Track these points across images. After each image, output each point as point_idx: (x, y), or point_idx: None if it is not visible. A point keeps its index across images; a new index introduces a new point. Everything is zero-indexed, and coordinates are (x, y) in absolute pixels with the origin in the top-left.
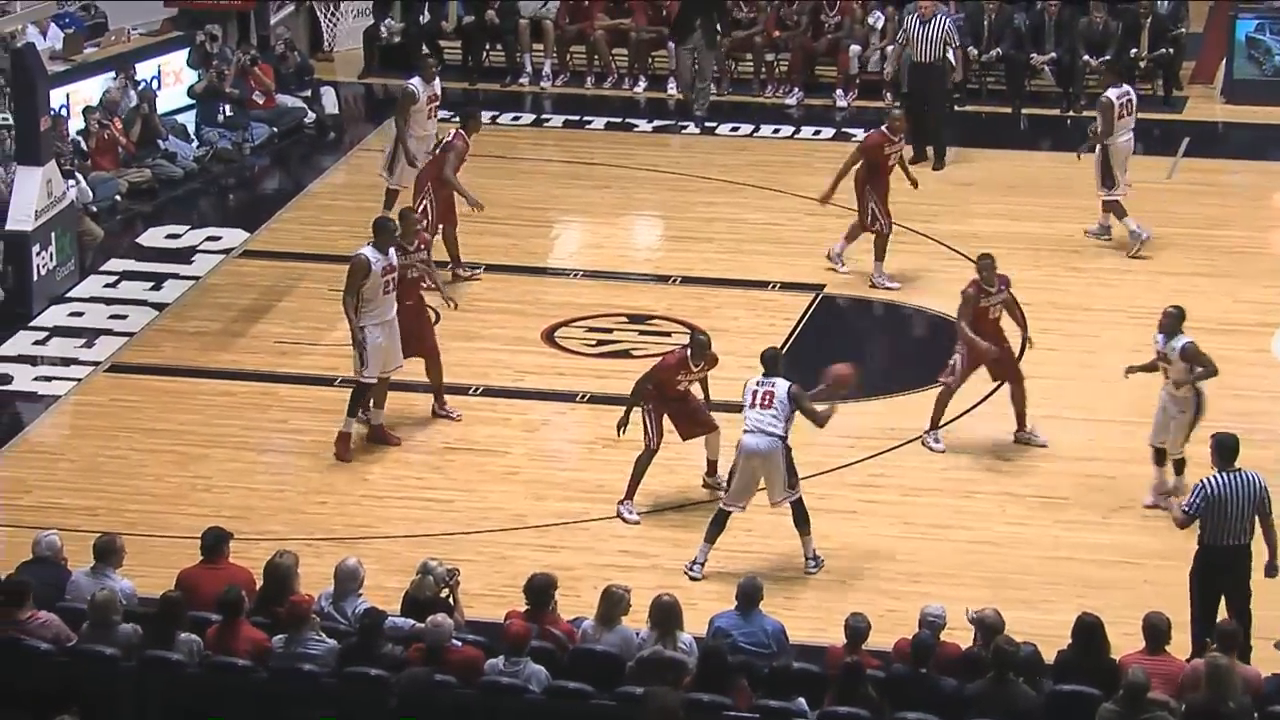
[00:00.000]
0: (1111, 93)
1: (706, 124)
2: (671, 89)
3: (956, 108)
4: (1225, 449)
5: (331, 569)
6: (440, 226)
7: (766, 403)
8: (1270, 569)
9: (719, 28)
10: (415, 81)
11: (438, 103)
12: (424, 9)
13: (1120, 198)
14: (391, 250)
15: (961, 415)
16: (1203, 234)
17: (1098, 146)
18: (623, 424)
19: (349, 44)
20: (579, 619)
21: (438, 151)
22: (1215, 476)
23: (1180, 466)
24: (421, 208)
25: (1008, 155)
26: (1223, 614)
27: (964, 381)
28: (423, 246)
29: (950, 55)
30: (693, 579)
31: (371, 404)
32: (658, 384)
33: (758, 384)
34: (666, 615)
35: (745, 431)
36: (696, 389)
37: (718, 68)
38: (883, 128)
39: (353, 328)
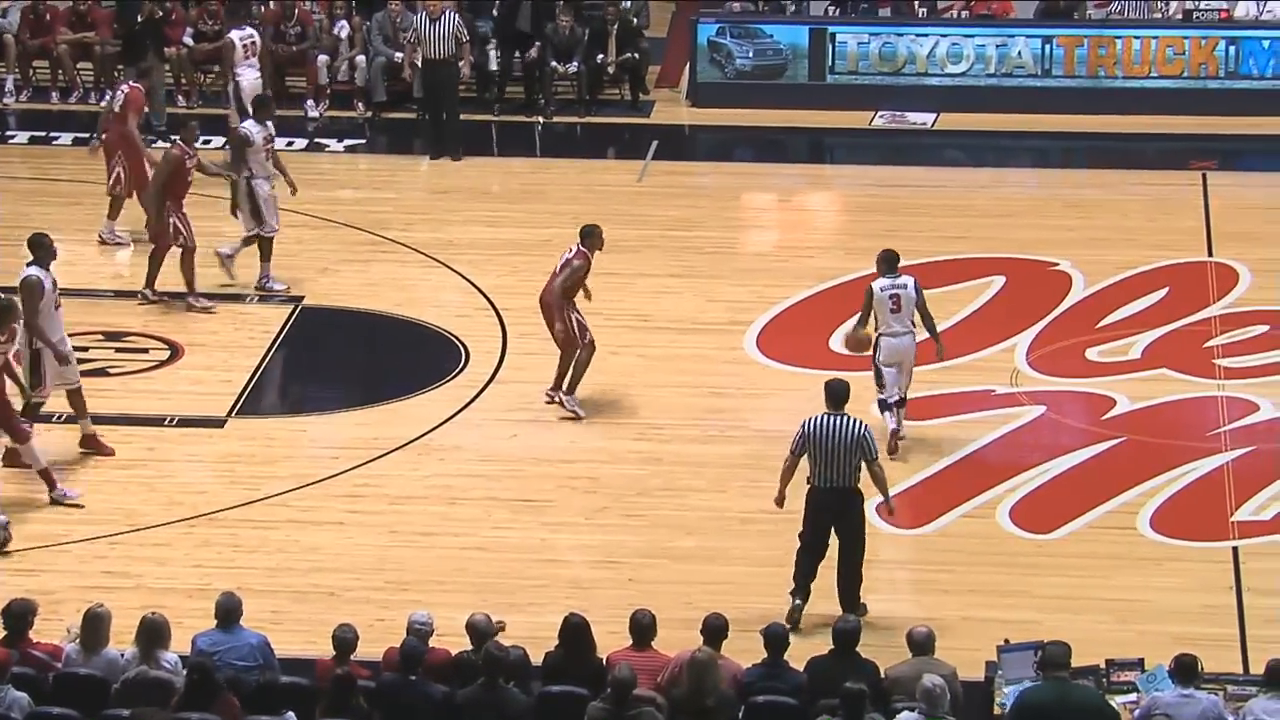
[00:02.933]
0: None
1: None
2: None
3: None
4: (833, 394)
5: None
6: None
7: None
8: (885, 509)
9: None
10: (249, 125)
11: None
12: None
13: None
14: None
15: (444, 423)
16: (674, 235)
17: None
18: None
19: None
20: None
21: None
22: (816, 417)
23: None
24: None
25: (482, 162)
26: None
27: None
28: None
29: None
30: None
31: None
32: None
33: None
34: (153, 634)
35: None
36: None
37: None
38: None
39: (49, 344)
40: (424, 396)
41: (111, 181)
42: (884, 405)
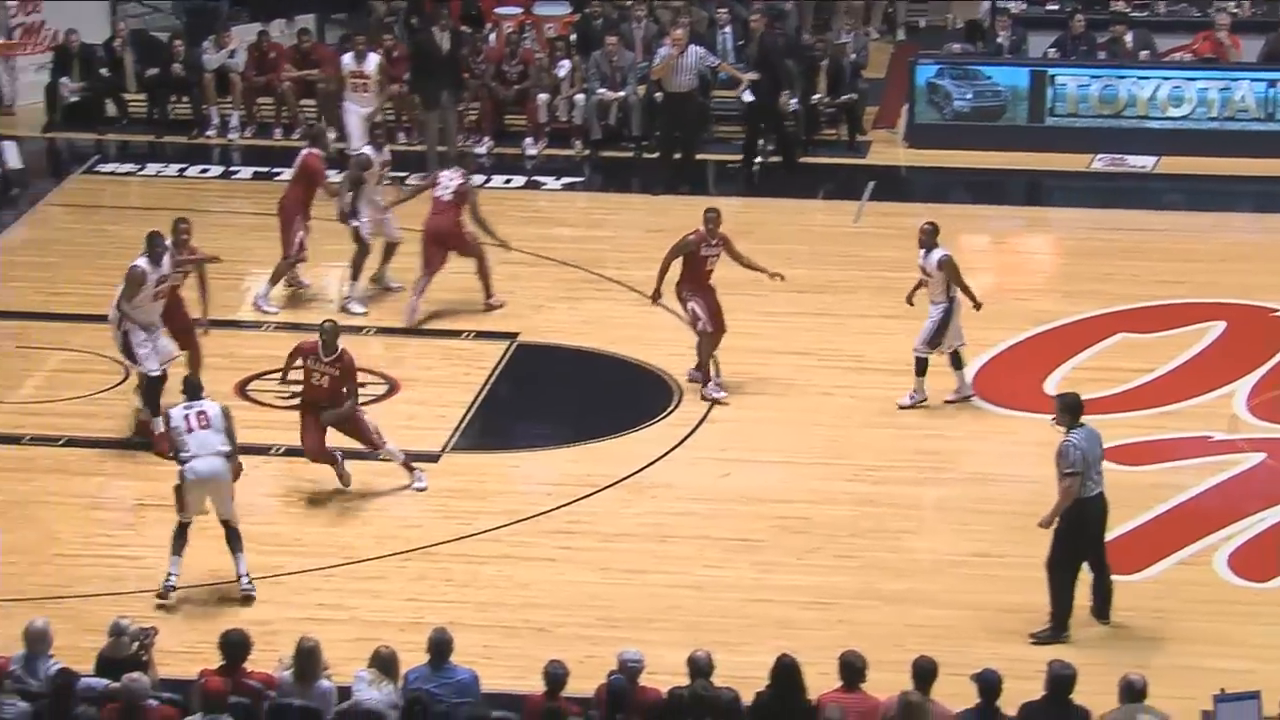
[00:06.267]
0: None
1: (395, 174)
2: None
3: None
4: (1073, 408)
5: (22, 630)
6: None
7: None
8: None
9: (462, 82)
10: (368, 149)
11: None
12: (105, 65)
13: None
14: (166, 260)
15: (657, 461)
16: (889, 276)
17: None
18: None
19: (29, 98)
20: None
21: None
22: (1081, 432)
23: (921, 367)
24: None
25: (698, 201)
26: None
27: (718, 323)
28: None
29: (720, 74)
30: None
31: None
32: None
33: None
34: (387, 666)
35: None
36: None
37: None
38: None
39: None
40: (636, 434)
41: (295, 246)
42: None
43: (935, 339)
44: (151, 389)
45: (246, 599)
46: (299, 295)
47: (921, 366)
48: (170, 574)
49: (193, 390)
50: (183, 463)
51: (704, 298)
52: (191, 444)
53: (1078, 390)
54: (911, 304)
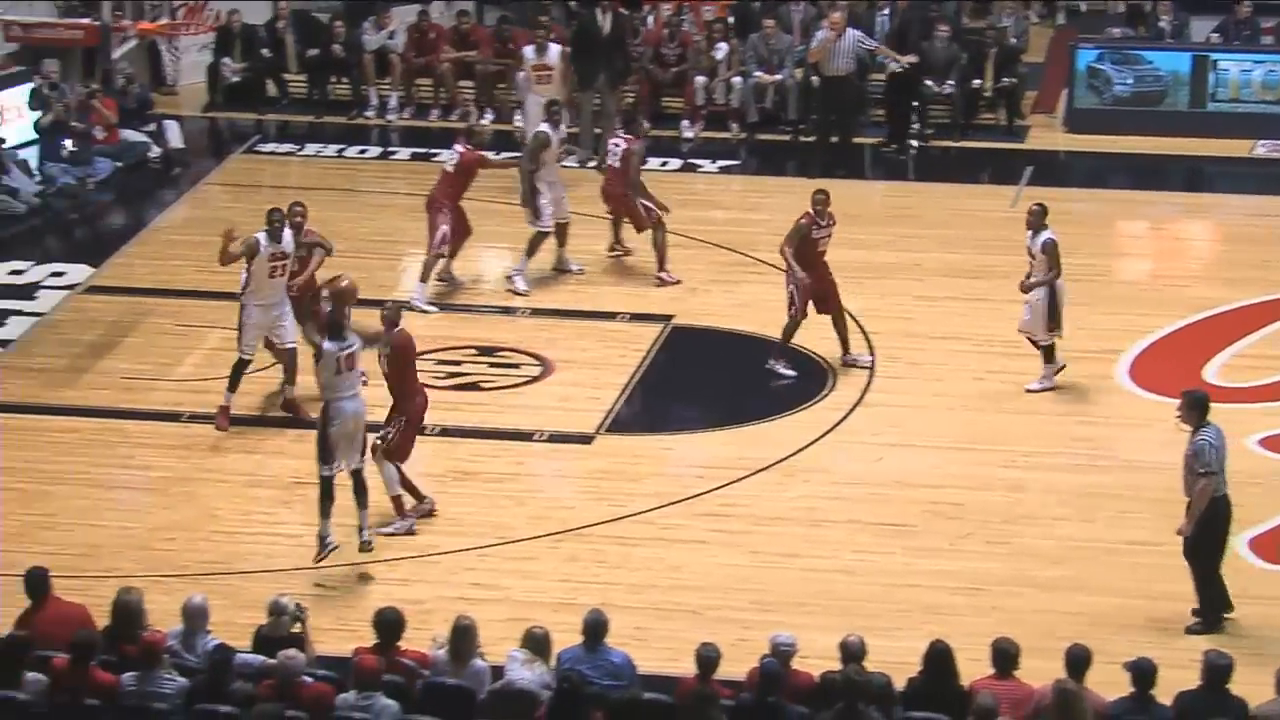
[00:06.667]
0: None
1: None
2: (519, 120)
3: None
4: (1200, 406)
5: (180, 606)
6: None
7: None
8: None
9: (623, 66)
10: (545, 127)
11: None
12: (266, 46)
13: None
14: (287, 234)
15: (810, 445)
16: None
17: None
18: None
19: (192, 78)
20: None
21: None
22: (1212, 429)
23: (1049, 354)
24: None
25: (853, 184)
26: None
27: (806, 309)
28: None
29: (877, 57)
30: None
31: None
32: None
33: None
34: (540, 646)
35: None
36: None
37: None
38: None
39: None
40: (790, 418)
41: (437, 240)
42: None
43: (1053, 321)
44: (236, 369)
45: (364, 547)
46: (456, 286)
47: (1049, 354)
48: (325, 538)
49: (337, 330)
50: (332, 403)
51: (804, 282)
52: (341, 385)
53: (1235, 378)
54: (1026, 290)
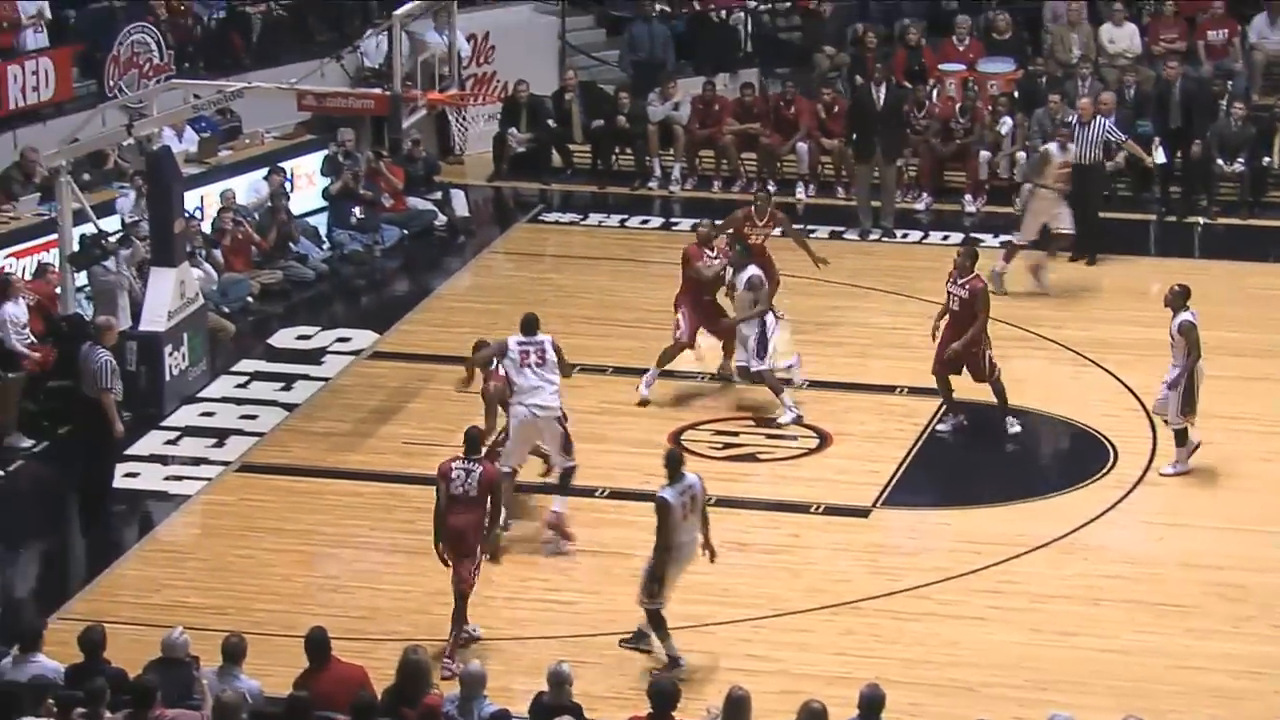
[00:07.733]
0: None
1: (833, 229)
2: (800, 194)
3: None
4: None
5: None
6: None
7: None
8: None
9: (899, 139)
10: (1052, 146)
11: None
12: (552, 116)
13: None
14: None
15: (1090, 522)
16: None
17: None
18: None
19: (478, 147)
20: None
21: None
22: None
23: (1181, 438)
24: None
25: (1138, 261)
26: None
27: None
28: None
29: (1124, 150)
30: None
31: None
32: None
33: None
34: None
35: None
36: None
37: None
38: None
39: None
40: (1070, 495)
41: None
42: None
43: (1188, 406)
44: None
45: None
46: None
47: (1181, 437)
48: (678, 659)
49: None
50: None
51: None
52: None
53: None
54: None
